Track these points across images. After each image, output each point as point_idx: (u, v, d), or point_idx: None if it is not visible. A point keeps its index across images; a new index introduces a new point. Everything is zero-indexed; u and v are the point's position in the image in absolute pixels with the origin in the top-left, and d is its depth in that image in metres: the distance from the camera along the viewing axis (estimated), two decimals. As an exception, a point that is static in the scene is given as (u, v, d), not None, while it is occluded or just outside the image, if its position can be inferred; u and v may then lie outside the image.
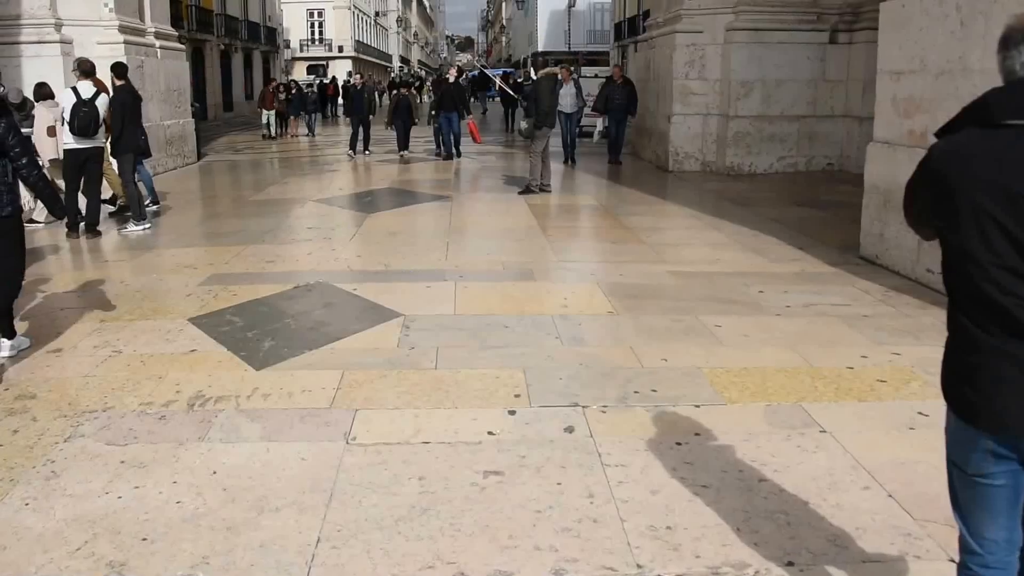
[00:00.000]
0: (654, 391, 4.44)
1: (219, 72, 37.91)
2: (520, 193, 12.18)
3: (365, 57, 65.65)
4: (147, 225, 9.51)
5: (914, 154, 6.93)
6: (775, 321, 5.78)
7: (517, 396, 4.37)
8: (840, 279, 6.94)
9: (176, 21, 21.09)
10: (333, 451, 3.70)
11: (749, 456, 3.66)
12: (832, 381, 4.59)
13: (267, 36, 46.89)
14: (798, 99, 14.23)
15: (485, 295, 6.50)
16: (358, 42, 64.18)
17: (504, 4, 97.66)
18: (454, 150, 17.38)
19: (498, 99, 31.84)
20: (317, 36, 60.45)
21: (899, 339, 5.34)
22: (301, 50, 58.96)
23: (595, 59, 43.51)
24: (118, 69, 9.51)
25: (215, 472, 3.50)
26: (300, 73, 51.76)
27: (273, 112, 23.82)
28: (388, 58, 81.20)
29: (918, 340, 5.31)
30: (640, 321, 5.78)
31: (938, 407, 4.11)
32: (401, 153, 17.58)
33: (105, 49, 13.23)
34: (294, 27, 57.30)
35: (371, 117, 18.86)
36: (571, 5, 47.76)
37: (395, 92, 19.10)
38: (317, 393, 4.40)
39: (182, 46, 17.61)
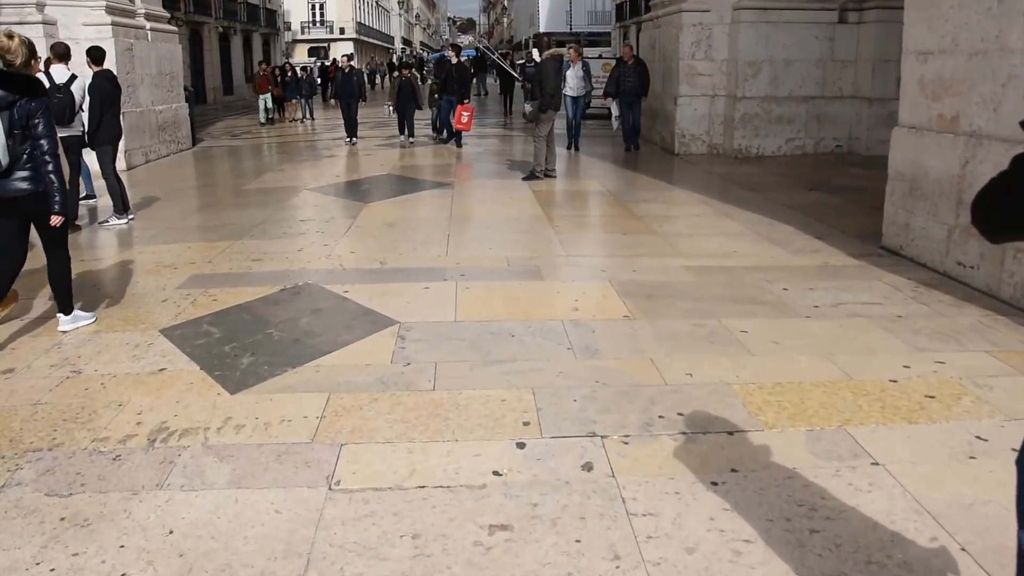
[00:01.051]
0: (680, 414, 3.93)
1: (218, 55, 37.47)
2: (524, 179, 11.77)
3: (367, 39, 65.06)
4: (130, 217, 9.02)
5: (943, 140, 6.46)
6: (804, 324, 5.30)
7: (526, 424, 3.85)
8: (866, 273, 6.50)
9: (173, 3, 20.52)
10: (313, 500, 3.16)
11: (796, 498, 3.16)
12: (876, 398, 4.11)
13: (267, 18, 46.28)
14: (806, 80, 13.91)
15: (488, 297, 5.98)
16: (360, 24, 63.59)
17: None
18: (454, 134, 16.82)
19: (497, 81, 31.27)
20: (318, 18, 59.83)
21: (940, 344, 4.89)
22: (302, 32, 58.42)
23: (596, 40, 43.03)
24: (95, 53, 8.95)
25: (171, 532, 2.96)
26: (301, 55, 51.20)
27: (269, 96, 23.30)
28: (390, 40, 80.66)
29: (960, 345, 4.88)
30: (659, 326, 5.27)
31: (996, 429, 3.68)
32: (401, 138, 17.03)
33: (92, 31, 12.73)
34: (295, 9, 56.77)
35: (361, 101, 18.11)
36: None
37: (396, 74, 18.46)
38: (298, 423, 3.86)
39: (175, 28, 17.06)
